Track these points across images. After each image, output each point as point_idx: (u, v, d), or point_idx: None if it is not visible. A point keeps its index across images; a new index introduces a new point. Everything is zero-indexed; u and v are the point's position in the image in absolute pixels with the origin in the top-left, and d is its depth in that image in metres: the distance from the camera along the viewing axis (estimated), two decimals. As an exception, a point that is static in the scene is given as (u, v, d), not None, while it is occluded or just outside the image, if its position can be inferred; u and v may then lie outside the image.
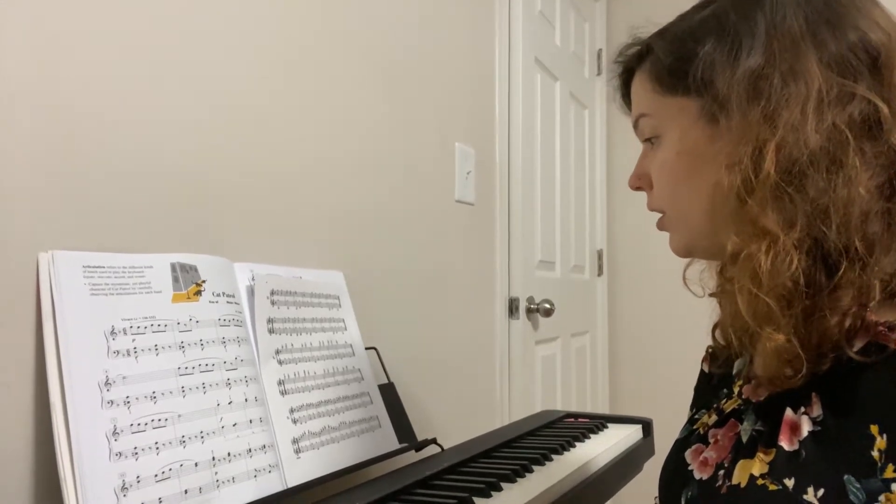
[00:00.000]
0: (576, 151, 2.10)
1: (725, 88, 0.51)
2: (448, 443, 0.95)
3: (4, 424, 0.61)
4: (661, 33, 0.58)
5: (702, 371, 0.69)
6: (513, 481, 0.76)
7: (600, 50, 2.33)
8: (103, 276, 0.66)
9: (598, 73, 2.32)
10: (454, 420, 1.31)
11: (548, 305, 1.72)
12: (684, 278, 0.65)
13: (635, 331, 2.34)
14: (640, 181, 0.63)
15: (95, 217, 0.71)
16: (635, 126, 0.62)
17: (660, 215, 0.62)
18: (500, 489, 0.74)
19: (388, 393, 0.95)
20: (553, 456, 0.87)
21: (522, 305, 1.66)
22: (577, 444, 0.95)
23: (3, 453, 0.60)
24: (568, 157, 2.04)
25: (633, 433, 1.04)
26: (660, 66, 0.57)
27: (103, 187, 0.72)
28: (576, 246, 2.09)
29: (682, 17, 0.58)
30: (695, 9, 0.57)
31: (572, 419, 1.13)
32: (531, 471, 0.81)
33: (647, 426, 1.09)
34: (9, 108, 0.64)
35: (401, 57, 1.24)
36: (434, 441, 0.94)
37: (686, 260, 0.66)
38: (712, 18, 0.54)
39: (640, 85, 0.60)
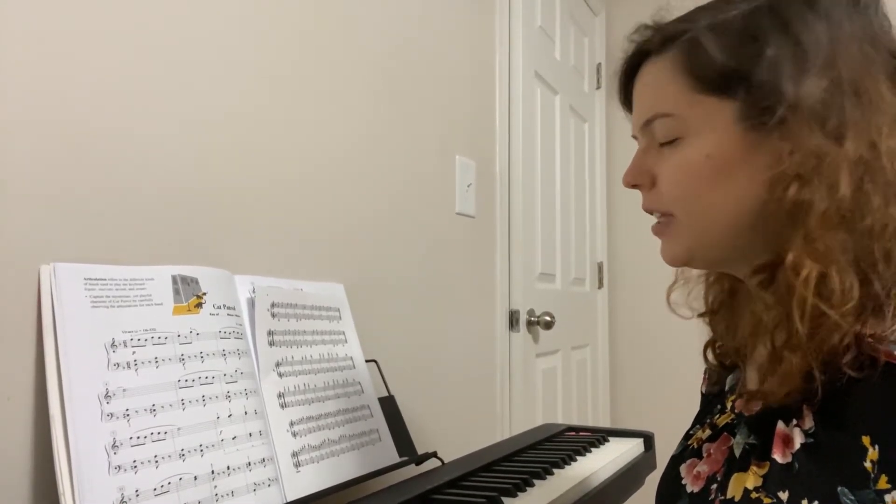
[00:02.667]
0: (576, 164, 2.11)
1: (791, 98, 0.48)
2: (449, 456, 0.95)
3: (4, 436, 0.61)
4: (713, 27, 0.52)
5: (702, 394, 0.69)
6: (514, 495, 0.76)
7: (599, 64, 2.35)
8: (104, 288, 0.66)
9: (598, 87, 2.33)
10: (455, 433, 1.30)
11: (548, 318, 1.72)
12: (669, 302, 0.64)
13: (636, 343, 2.34)
14: (640, 178, 0.57)
15: (97, 229, 0.71)
16: (647, 123, 0.56)
17: (655, 219, 0.58)
18: (501, 503, 0.73)
19: (389, 406, 0.95)
20: (554, 470, 0.87)
21: (523, 318, 1.66)
22: (578, 457, 0.95)
23: (3, 465, 0.60)
24: (568, 170, 2.04)
25: (634, 447, 1.04)
26: (706, 62, 0.51)
27: (105, 200, 0.72)
28: (576, 258, 2.09)
29: (727, 6, 0.52)
30: (736, 2, 0.52)
31: (573, 433, 1.13)
32: (532, 485, 0.80)
33: (648, 440, 1.08)
34: (10, 122, 0.64)
35: (402, 70, 1.25)
36: (434, 454, 0.93)
37: (671, 282, 0.65)
38: (770, 16, 0.50)
39: (663, 77, 0.54)
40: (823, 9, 0.50)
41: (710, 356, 0.67)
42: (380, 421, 0.91)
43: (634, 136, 0.60)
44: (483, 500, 0.72)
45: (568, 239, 2.02)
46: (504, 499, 0.74)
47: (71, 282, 0.64)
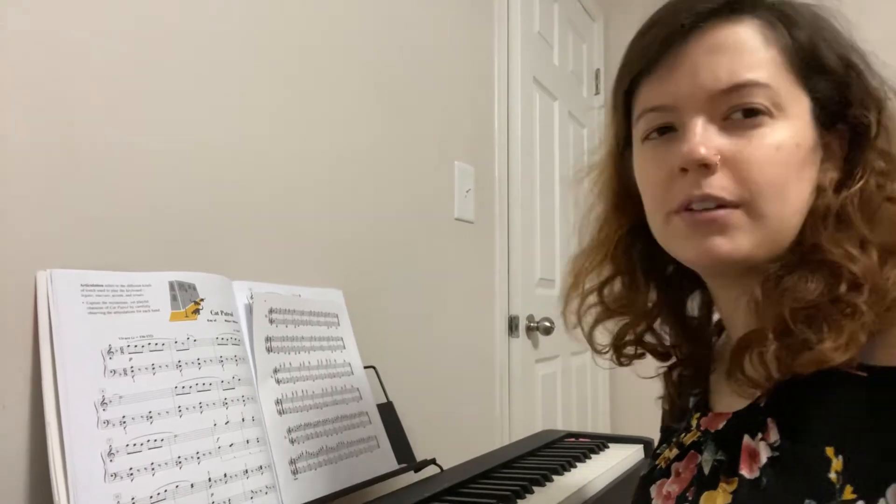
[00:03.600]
0: (574, 170, 2.11)
1: (866, 106, 0.49)
2: (448, 463, 0.94)
3: (0, 443, 0.60)
4: (815, 22, 0.50)
5: (663, 410, 0.69)
6: (513, 503, 0.76)
7: (598, 70, 2.35)
8: (101, 294, 0.66)
9: (597, 93, 2.34)
10: (454, 440, 1.30)
11: (548, 324, 1.71)
12: (594, 350, 0.62)
13: (636, 349, 2.33)
14: (717, 158, 0.48)
15: (94, 235, 0.71)
16: (734, 89, 0.47)
17: (703, 210, 0.48)
18: (499, 511, 0.73)
19: (387, 412, 0.94)
20: (553, 477, 0.86)
21: (522, 324, 1.66)
22: (577, 464, 0.94)
23: (-3, 474, 0.60)
24: (567, 175, 2.04)
25: (634, 453, 1.03)
26: (805, 41, 0.49)
27: (102, 205, 0.72)
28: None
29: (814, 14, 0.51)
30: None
31: (573, 439, 1.12)
32: (531, 492, 0.80)
33: (648, 446, 1.08)
34: (8, 127, 0.64)
35: (400, 76, 1.25)
36: (433, 461, 0.93)
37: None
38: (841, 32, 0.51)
39: (757, 42, 0.48)
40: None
41: (670, 387, 0.64)
42: (378, 428, 0.90)
43: (660, 108, 0.50)
44: (482, 507, 0.71)
45: (567, 244, 2.02)
46: (503, 506, 0.74)
47: (68, 288, 0.64)
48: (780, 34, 0.49)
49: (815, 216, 0.49)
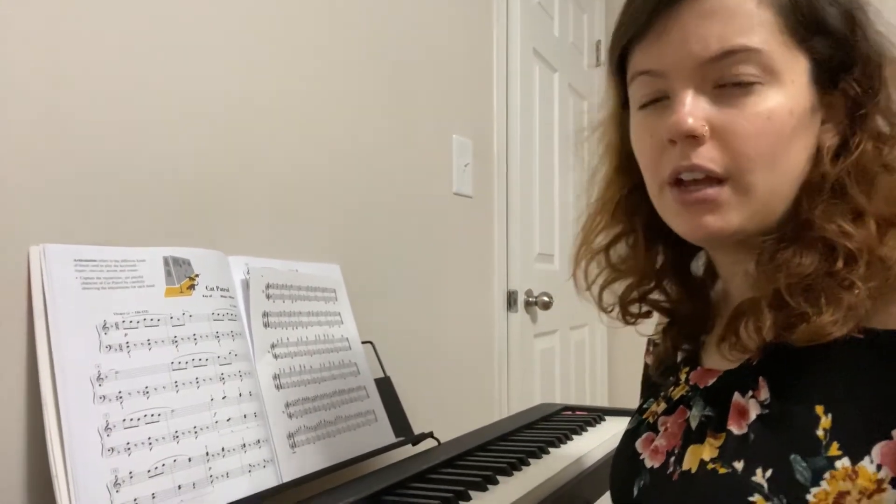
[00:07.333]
0: (574, 143, 2.09)
1: (874, 65, 0.48)
2: (445, 437, 0.95)
3: (-4, 420, 0.60)
4: None
5: (645, 364, 0.69)
6: (509, 475, 0.76)
7: (599, 41, 2.32)
8: (95, 269, 0.65)
9: (597, 65, 2.30)
10: (452, 414, 1.31)
11: (546, 298, 1.72)
12: (588, 284, 0.61)
13: (634, 323, 2.34)
14: (705, 129, 0.47)
15: (86, 210, 0.70)
16: (724, 55, 0.46)
17: (690, 182, 0.48)
18: (496, 482, 0.73)
19: (385, 387, 0.95)
20: (550, 449, 0.87)
21: (521, 298, 1.66)
22: (574, 437, 0.95)
23: (-5, 449, 0.60)
24: (566, 148, 2.02)
25: (630, 426, 1.04)
26: (805, 3, 0.48)
27: (95, 180, 0.71)
28: (575, 238, 2.08)
29: None
30: None
31: (570, 412, 1.13)
32: (528, 464, 0.80)
33: (645, 419, 1.08)
34: (0, 102, 0.63)
35: (397, 48, 1.23)
36: (431, 435, 0.93)
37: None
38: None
39: (749, 4, 0.47)
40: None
41: (668, 342, 0.62)
42: (376, 402, 0.91)
43: (651, 72, 0.49)
44: (479, 479, 0.72)
45: (566, 219, 2.01)
46: (500, 477, 0.74)
47: (61, 263, 0.63)
48: (792, 3, 0.47)
49: (811, 187, 0.49)
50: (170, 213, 0.79)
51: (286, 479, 0.72)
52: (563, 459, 0.83)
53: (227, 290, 0.77)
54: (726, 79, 0.47)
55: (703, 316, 0.61)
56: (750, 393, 0.49)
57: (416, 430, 0.94)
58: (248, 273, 0.80)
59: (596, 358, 2.26)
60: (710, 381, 0.54)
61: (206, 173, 0.84)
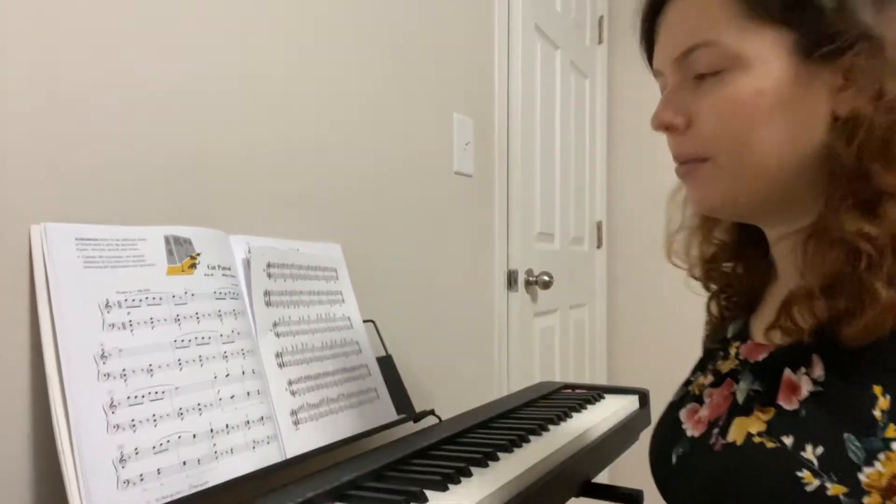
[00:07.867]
0: (576, 122, 2.08)
1: (865, 27, 0.46)
2: (446, 414, 0.96)
3: (2, 396, 0.61)
4: None
5: (709, 311, 0.69)
6: (510, 451, 0.77)
7: (602, 17, 2.29)
8: (97, 248, 0.65)
9: (600, 42, 2.28)
10: (452, 392, 1.32)
11: (546, 278, 1.72)
12: (670, 253, 0.64)
13: (633, 303, 2.35)
14: (676, 118, 0.52)
15: (87, 189, 0.70)
16: (685, 54, 0.51)
17: (680, 164, 0.54)
18: (497, 459, 0.74)
19: (386, 365, 0.95)
20: (550, 426, 0.88)
21: (521, 278, 1.66)
22: (573, 414, 0.96)
23: (1, 425, 0.61)
24: (568, 127, 2.01)
25: (629, 404, 1.05)
26: None
27: (96, 158, 0.71)
28: (575, 218, 2.08)
29: None
30: None
31: (569, 390, 1.14)
32: (528, 441, 0.81)
33: (643, 397, 1.09)
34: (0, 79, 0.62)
35: (398, 25, 1.21)
36: (432, 412, 0.94)
37: (683, 270, 0.65)
38: None
39: (708, 1, 0.50)
40: None
41: (714, 308, 0.66)
42: (378, 380, 0.91)
43: (656, 72, 0.56)
44: (480, 455, 0.73)
45: (567, 198, 2.01)
46: (500, 454, 0.75)
47: (62, 242, 0.63)
48: None
49: (826, 163, 0.48)
50: (171, 193, 0.79)
51: (289, 455, 0.73)
52: (563, 436, 0.84)
53: (229, 269, 0.77)
54: (697, 71, 0.51)
55: (759, 290, 0.62)
56: (803, 370, 0.49)
57: (418, 408, 0.95)
58: (249, 252, 0.80)
59: (595, 337, 2.28)
60: (761, 356, 0.54)
61: (206, 152, 0.84)
